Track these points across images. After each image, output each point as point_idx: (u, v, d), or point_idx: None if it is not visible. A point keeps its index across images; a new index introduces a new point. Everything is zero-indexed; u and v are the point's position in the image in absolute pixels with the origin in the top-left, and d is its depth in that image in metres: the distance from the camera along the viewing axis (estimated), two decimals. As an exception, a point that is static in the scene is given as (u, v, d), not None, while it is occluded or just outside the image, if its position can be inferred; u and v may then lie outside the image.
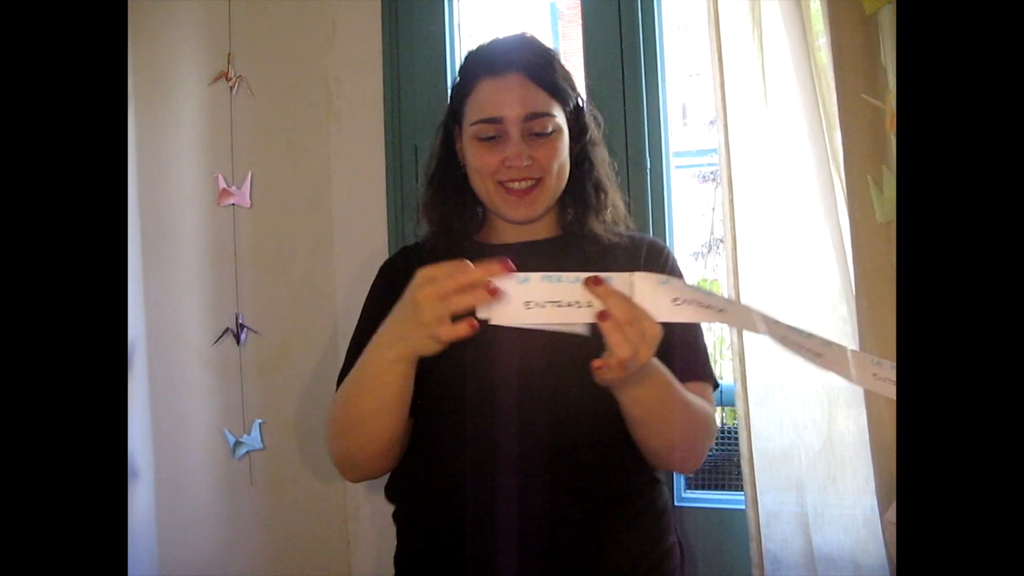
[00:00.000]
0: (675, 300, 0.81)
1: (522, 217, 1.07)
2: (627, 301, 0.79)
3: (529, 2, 1.86)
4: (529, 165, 1.04)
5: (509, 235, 1.12)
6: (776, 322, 0.82)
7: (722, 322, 0.86)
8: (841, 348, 0.82)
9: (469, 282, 0.79)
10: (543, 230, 1.12)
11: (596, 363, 0.83)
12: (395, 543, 1.10)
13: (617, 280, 0.80)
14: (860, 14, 1.15)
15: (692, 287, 0.83)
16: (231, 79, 1.48)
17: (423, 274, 0.82)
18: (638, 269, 1.06)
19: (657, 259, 1.12)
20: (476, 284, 0.79)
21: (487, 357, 0.99)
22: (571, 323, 0.81)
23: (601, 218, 1.12)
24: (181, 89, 1.43)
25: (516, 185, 1.05)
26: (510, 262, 0.79)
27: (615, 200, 1.15)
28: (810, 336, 0.81)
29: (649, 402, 0.93)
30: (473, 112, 1.06)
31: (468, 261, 0.81)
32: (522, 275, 0.80)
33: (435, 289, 0.80)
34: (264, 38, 1.54)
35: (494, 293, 0.79)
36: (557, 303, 0.80)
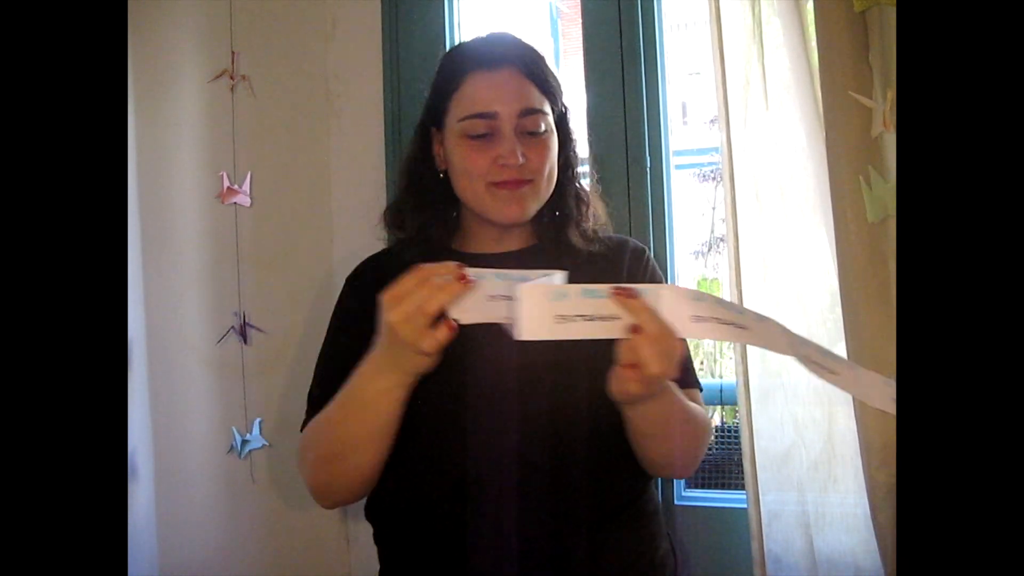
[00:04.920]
0: (696, 317, 0.79)
1: (511, 217, 1.01)
2: (658, 316, 0.77)
3: (529, 2, 1.85)
4: (522, 165, 0.98)
5: (486, 244, 1.08)
6: (803, 342, 0.80)
7: (745, 341, 0.82)
8: (853, 368, 0.81)
9: (435, 286, 0.78)
10: (520, 239, 1.08)
11: (625, 375, 0.80)
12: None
13: (648, 292, 0.79)
14: (848, 13, 1.15)
15: (724, 303, 0.81)
16: (234, 77, 1.48)
17: (387, 298, 0.80)
18: (620, 275, 1.06)
19: (637, 265, 1.09)
20: (442, 284, 0.78)
21: (472, 369, 0.97)
22: (607, 336, 0.78)
23: (580, 228, 1.08)
24: (181, 87, 1.43)
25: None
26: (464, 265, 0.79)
27: (597, 210, 1.12)
28: (827, 354, 0.80)
29: (657, 417, 0.91)
30: (462, 107, 1.00)
31: (423, 265, 0.80)
32: (476, 271, 0.79)
33: (405, 308, 0.79)
34: (264, 37, 1.54)
35: (463, 279, 0.78)
36: (587, 317, 0.77)
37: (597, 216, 1.11)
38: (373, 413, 0.89)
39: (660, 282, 1.10)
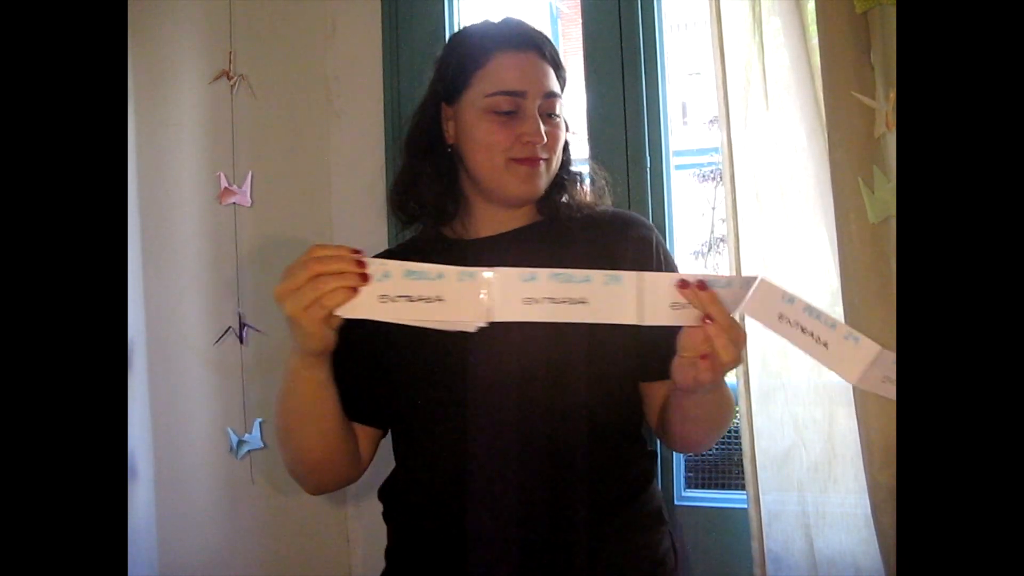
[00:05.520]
0: (674, 304, 0.81)
1: (527, 193, 1.03)
2: (722, 305, 0.81)
3: (529, 2, 1.85)
4: (544, 143, 1.01)
5: (487, 227, 1.08)
6: (792, 298, 0.82)
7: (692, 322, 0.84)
8: (857, 340, 0.80)
9: (317, 271, 0.78)
10: (522, 217, 1.09)
11: (701, 364, 0.83)
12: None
13: (626, 279, 0.80)
14: (850, 13, 1.15)
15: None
16: (232, 77, 1.48)
17: (284, 271, 0.82)
18: (624, 256, 1.06)
19: (646, 252, 1.07)
20: (328, 272, 0.78)
21: (476, 358, 0.98)
22: (429, 320, 0.79)
23: (580, 196, 1.10)
24: (181, 88, 1.43)
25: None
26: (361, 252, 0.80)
27: (594, 179, 1.13)
28: (819, 315, 0.82)
29: (710, 403, 0.95)
30: (489, 84, 1.02)
31: (326, 246, 0.80)
32: (378, 261, 0.79)
33: (288, 282, 0.80)
34: (264, 37, 1.54)
35: (362, 276, 0.77)
36: (409, 297, 0.78)
37: (595, 184, 1.13)
38: (294, 395, 0.93)
39: (673, 268, 1.10)
